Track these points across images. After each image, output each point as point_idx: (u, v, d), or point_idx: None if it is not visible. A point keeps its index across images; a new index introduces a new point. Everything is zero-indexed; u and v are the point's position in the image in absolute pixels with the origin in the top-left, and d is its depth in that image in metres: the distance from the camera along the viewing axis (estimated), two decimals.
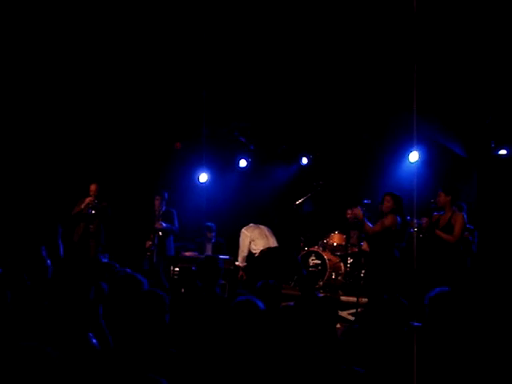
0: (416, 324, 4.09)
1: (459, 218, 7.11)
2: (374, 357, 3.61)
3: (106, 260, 9.30)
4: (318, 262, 9.30)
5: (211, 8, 6.94)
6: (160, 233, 8.87)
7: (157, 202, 9.02)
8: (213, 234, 9.84)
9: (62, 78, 8.61)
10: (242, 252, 8.81)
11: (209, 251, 9.70)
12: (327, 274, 9.14)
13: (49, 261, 4.95)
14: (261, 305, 3.70)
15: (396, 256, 7.30)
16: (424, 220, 7.30)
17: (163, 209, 9.05)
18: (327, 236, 9.72)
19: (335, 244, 9.61)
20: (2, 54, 7.73)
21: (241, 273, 8.84)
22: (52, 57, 8.07)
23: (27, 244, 7.37)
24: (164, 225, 8.89)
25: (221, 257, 8.41)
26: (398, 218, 7.29)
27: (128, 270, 4.76)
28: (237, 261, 8.87)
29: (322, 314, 3.94)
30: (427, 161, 9.33)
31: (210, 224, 9.84)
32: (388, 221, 7.27)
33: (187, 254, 9.42)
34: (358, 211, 7.48)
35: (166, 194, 9.15)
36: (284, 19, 7.02)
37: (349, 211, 9.20)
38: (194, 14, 7.10)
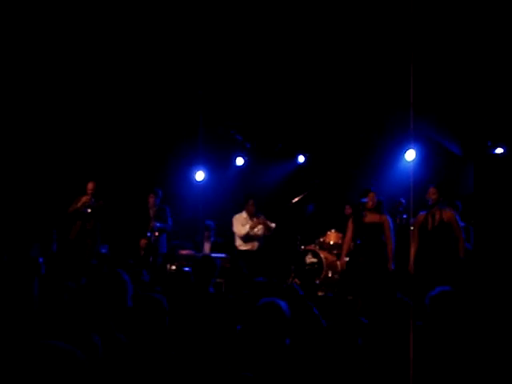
0: (417, 323, 4.07)
1: (452, 216, 6.99)
2: (375, 354, 3.59)
3: (105, 251, 9.32)
4: (315, 260, 9.29)
5: (207, 8, 6.94)
6: (156, 233, 8.86)
7: (151, 200, 8.99)
8: (211, 232, 9.76)
9: (57, 76, 8.59)
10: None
11: (207, 250, 9.64)
12: (324, 272, 9.14)
13: (41, 258, 4.93)
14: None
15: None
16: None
17: (157, 206, 9.03)
18: (324, 234, 9.70)
19: (332, 242, 9.58)
20: None
21: None
22: (44, 54, 8.05)
23: (21, 242, 7.34)
24: (158, 225, 8.87)
25: (217, 255, 8.44)
26: (390, 221, 7.38)
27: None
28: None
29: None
30: (424, 159, 9.31)
31: (208, 222, 9.76)
32: (387, 224, 7.36)
33: (184, 252, 9.39)
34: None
35: (161, 192, 9.12)
36: (279, 18, 7.01)
37: (347, 207, 9.19)
38: (191, 13, 7.10)
